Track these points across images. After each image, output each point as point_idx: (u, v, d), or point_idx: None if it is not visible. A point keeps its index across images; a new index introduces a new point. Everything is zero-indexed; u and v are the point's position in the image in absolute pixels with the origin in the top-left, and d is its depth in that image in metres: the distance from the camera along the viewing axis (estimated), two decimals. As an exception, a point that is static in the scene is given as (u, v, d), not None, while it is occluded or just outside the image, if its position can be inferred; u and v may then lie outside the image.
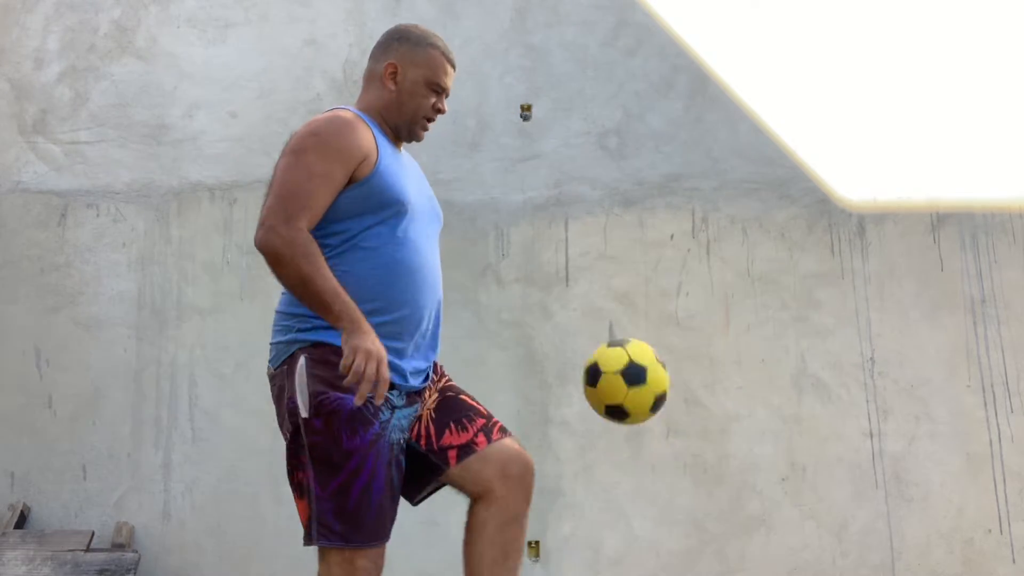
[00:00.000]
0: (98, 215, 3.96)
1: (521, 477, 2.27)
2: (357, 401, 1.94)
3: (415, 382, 2.18)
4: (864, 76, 4.10)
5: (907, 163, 4.03)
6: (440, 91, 2.29)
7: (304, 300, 2.02)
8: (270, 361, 2.17)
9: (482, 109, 4.05)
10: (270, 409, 3.74)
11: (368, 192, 2.11)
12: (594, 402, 2.35)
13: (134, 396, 3.78)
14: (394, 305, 2.11)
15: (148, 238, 3.94)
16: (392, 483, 2.09)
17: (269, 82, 4.08)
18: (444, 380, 2.33)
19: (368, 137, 2.15)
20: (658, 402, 2.33)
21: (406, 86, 2.25)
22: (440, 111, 2.31)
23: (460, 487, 2.27)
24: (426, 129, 2.32)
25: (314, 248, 2.00)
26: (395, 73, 2.26)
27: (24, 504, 3.63)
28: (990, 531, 3.70)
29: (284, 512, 3.69)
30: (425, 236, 2.22)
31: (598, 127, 4.05)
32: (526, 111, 4.04)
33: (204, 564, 3.65)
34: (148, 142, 4.03)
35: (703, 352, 3.85)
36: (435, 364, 2.31)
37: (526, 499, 2.28)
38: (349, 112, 2.19)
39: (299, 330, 2.09)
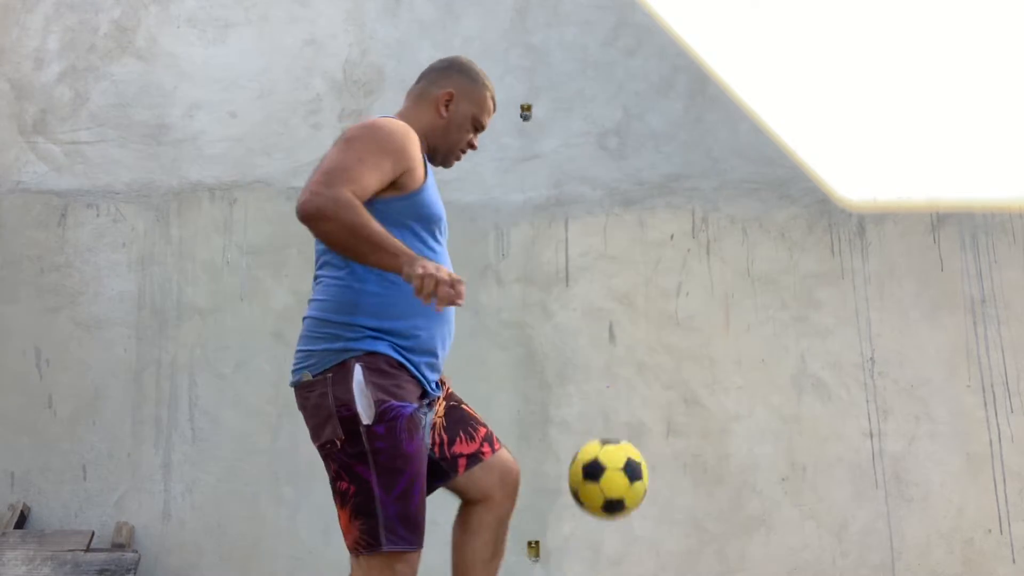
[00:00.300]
0: (98, 215, 3.96)
1: (515, 484, 2.38)
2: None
3: (436, 390, 2.27)
4: (864, 76, 4.11)
5: (907, 163, 4.03)
6: (479, 129, 2.39)
7: (355, 251, 1.99)
8: (306, 368, 2.12)
9: (482, 109, 4.05)
10: (270, 409, 3.77)
11: (414, 205, 2.15)
12: (591, 497, 2.34)
13: (134, 396, 3.79)
14: (432, 317, 2.15)
15: (148, 238, 3.94)
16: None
17: (269, 82, 4.08)
18: (447, 387, 2.39)
19: (419, 151, 2.19)
20: (644, 494, 2.40)
21: (456, 117, 2.33)
22: (473, 147, 2.41)
23: (462, 492, 2.35)
24: (459, 159, 2.40)
25: (357, 202, 1.97)
26: (450, 102, 2.33)
27: (24, 504, 3.63)
28: (990, 531, 3.70)
29: (284, 512, 3.69)
30: (446, 252, 2.28)
31: (598, 127, 4.05)
32: (526, 111, 4.04)
33: (204, 564, 3.65)
34: (148, 142, 4.03)
35: (703, 352, 3.85)
36: None
37: (514, 503, 2.39)
38: (405, 123, 2.22)
39: (349, 339, 2.08)
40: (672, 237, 3.96)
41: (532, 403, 3.81)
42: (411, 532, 2.05)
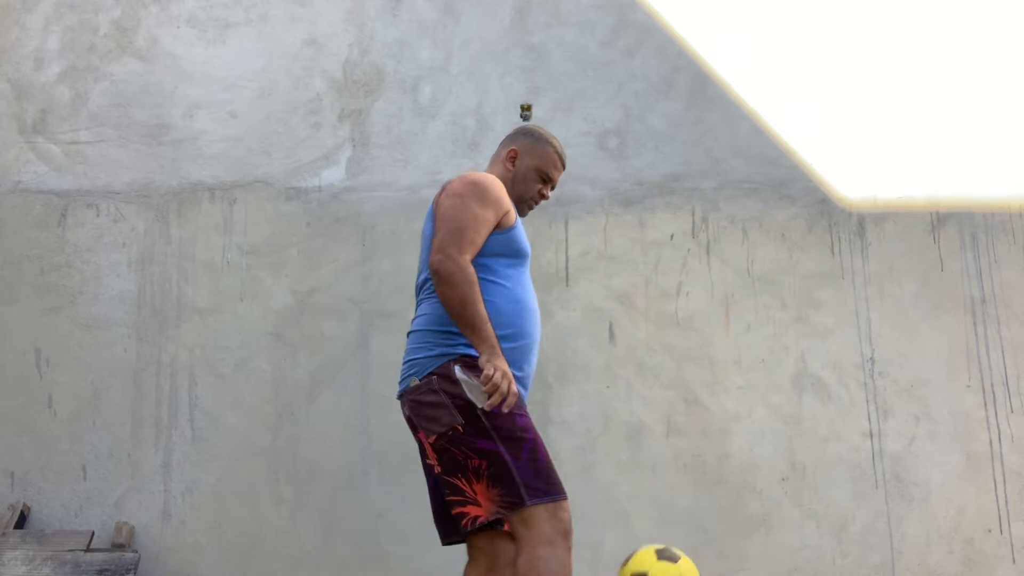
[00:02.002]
0: (98, 215, 3.96)
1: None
2: (489, 404, 2.34)
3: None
4: (864, 76, 4.11)
5: (907, 163, 4.03)
6: (547, 181, 2.81)
7: (459, 319, 2.42)
8: (412, 375, 2.52)
9: (482, 109, 4.05)
10: (270, 409, 3.77)
11: (508, 240, 2.58)
12: None
13: (134, 396, 3.78)
14: (521, 334, 2.55)
15: (148, 238, 3.94)
16: None
17: (269, 82, 4.08)
18: None
19: (508, 198, 2.64)
20: None
21: (521, 170, 2.77)
22: (544, 197, 2.83)
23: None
24: (531, 208, 2.83)
25: (475, 279, 2.44)
26: (515, 158, 2.78)
27: (24, 504, 3.63)
28: (990, 531, 3.70)
29: (284, 512, 3.69)
30: (528, 277, 2.69)
31: (598, 127, 4.05)
32: (526, 111, 4.05)
33: (204, 564, 3.65)
34: (148, 142, 4.03)
35: (703, 352, 3.85)
36: None
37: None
38: (494, 176, 2.69)
39: (447, 345, 2.48)
40: (672, 237, 3.96)
41: (532, 403, 3.80)
42: (548, 484, 2.37)
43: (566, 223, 3.96)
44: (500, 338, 2.44)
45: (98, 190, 3.98)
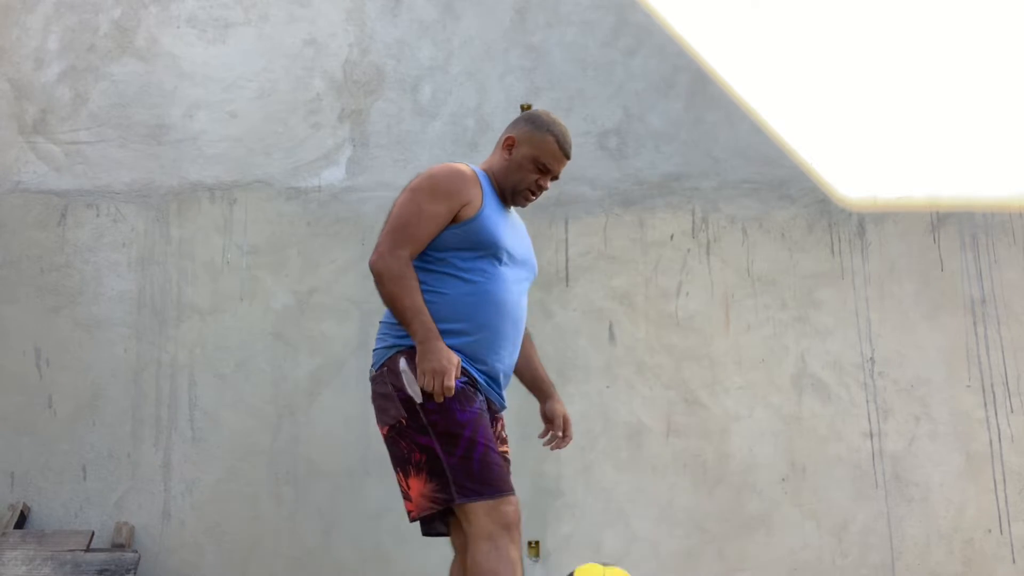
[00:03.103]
0: (98, 215, 3.96)
1: None
2: (417, 400, 2.37)
3: (494, 399, 2.57)
4: (864, 75, 4.11)
5: (907, 163, 4.03)
6: (545, 171, 2.65)
7: (393, 314, 2.47)
8: (372, 366, 2.55)
9: (482, 109, 4.05)
10: (270, 409, 3.77)
11: (468, 231, 2.50)
12: None
13: (134, 396, 3.78)
14: (476, 327, 2.47)
15: (148, 238, 3.94)
16: (498, 453, 2.44)
17: (269, 82, 4.08)
18: (503, 430, 2.69)
19: (475, 189, 2.55)
20: None
21: (516, 159, 2.63)
22: (542, 188, 2.67)
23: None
24: (528, 200, 2.68)
25: (407, 274, 2.43)
26: (512, 146, 2.64)
27: (24, 504, 3.63)
28: (990, 531, 3.70)
29: (284, 512, 3.69)
30: (515, 280, 2.59)
31: (598, 127, 4.05)
32: (526, 111, 4.04)
33: (204, 564, 3.65)
34: (148, 142, 4.03)
35: (703, 352, 3.85)
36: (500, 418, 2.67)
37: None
38: (466, 166, 2.59)
39: (396, 336, 2.49)
40: (672, 237, 3.96)
41: (532, 403, 3.80)
42: (479, 485, 2.35)
43: (566, 223, 3.96)
44: (452, 332, 2.43)
45: (98, 190, 3.98)
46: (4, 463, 3.72)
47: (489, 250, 2.52)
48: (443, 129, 4.03)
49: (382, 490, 3.67)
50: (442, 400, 2.34)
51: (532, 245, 2.79)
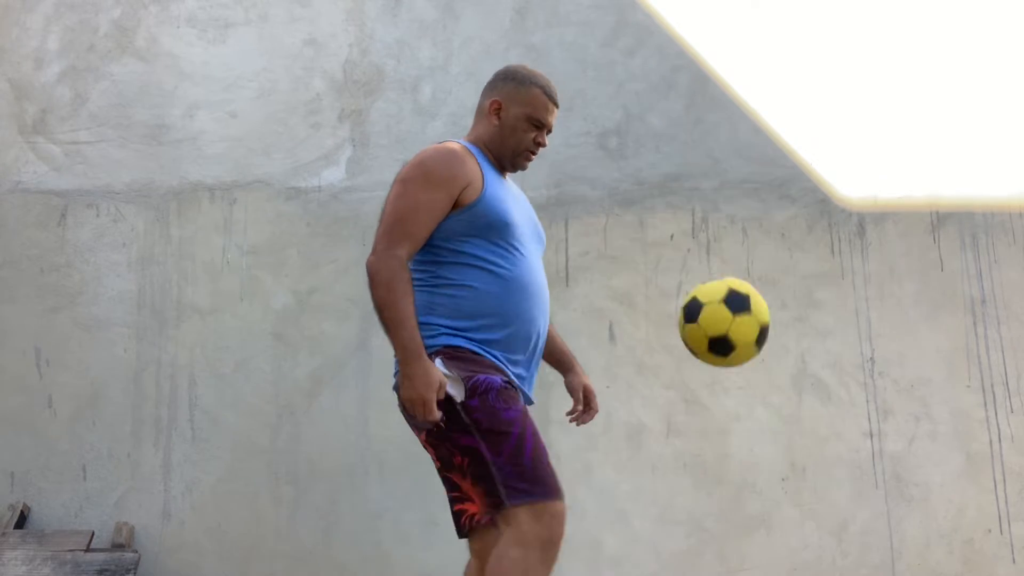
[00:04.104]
0: (98, 215, 3.96)
1: None
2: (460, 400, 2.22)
3: (526, 392, 2.42)
4: (864, 75, 4.11)
5: (907, 162, 4.03)
6: (540, 127, 2.48)
7: (379, 319, 2.26)
8: (396, 374, 2.33)
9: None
10: (270, 409, 3.77)
11: (476, 215, 2.32)
12: (696, 340, 2.28)
13: (134, 396, 3.78)
14: (509, 318, 2.33)
15: (148, 238, 3.94)
16: (547, 452, 2.28)
17: (269, 82, 4.08)
18: None
19: (473, 166, 2.37)
20: (763, 335, 2.26)
21: (508, 121, 2.46)
22: (541, 145, 2.50)
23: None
24: (529, 160, 2.52)
25: (400, 277, 2.23)
26: (499, 109, 2.48)
27: (24, 504, 3.63)
28: (990, 531, 3.70)
29: (284, 512, 3.69)
30: (534, 256, 2.43)
31: (598, 127, 4.05)
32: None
33: (204, 564, 3.65)
34: (148, 142, 4.03)
35: (703, 352, 3.85)
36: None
37: None
38: (456, 143, 2.41)
39: (427, 336, 2.28)
40: (672, 237, 3.96)
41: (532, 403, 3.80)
42: (531, 485, 2.18)
43: (566, 223, 3.96)
44: (486, 328, 2.29)
45: (98, 190, 3.98)
46: (4, 463, 3.72)
47: (502, 231, 2.35)
48: (443, 129, 4.03)
49: (382, 490, 3.67)
50: (426, 420, 2.20)
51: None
